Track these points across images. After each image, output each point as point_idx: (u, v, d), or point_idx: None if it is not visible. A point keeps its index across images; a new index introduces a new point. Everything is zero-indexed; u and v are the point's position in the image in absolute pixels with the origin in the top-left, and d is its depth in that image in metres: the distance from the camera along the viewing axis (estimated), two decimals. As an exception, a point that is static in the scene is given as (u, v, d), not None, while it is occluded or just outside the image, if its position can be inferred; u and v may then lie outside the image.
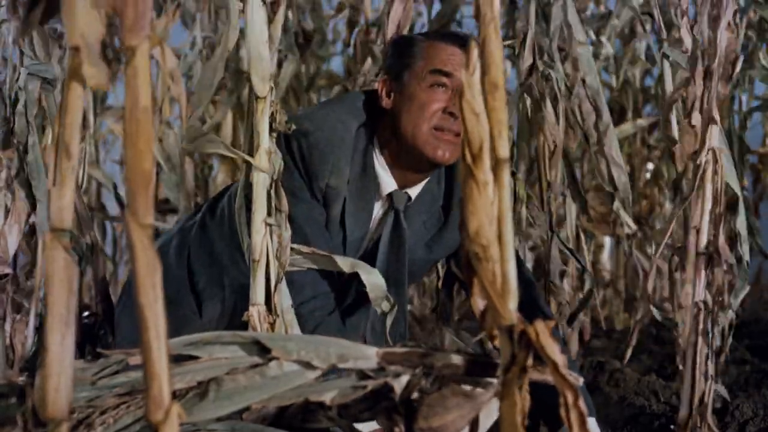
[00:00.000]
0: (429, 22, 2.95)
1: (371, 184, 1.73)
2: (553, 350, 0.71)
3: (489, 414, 0.81)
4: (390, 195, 1.75)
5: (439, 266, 2.10)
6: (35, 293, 1.77)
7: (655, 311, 2.03)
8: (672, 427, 1.90)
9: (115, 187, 3.31)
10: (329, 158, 1.66)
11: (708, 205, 1.74)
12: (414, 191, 1.78)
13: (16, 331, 1.77)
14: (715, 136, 1.73)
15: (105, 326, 2.03)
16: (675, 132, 2.15)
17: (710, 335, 1.72)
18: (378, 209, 1.77)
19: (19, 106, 1.75)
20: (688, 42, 1.77)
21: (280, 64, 3.21)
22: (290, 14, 3.27)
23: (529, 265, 2.99)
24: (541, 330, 0.72)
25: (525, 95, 2.14)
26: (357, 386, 0.84)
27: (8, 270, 1.74)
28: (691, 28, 1.75)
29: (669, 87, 2.21)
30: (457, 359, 0.83)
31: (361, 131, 1.73)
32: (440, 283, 2.09)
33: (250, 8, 1.23)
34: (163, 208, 3.46)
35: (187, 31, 3.43)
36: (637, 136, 3.78)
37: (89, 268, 2.12)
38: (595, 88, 2.13)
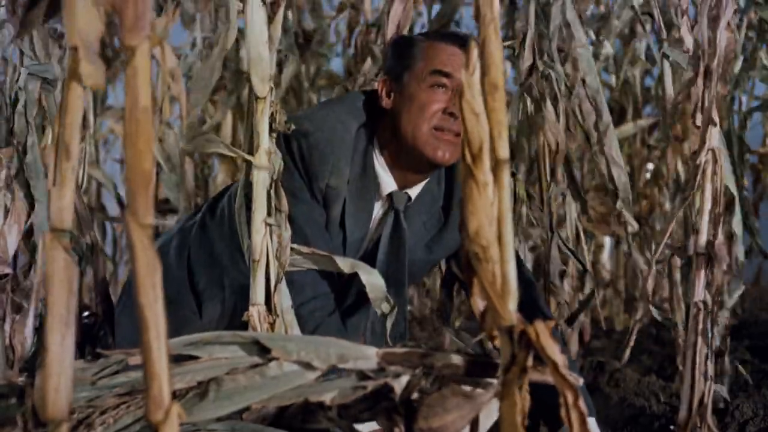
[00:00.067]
0: (429, 21, 2.95)
1: (371, 185, 1.73)
2: (554, 351, 0.71)
3: (489, 414, 0.81)
4: (390, 195, 1.75)
5: (441, 266, 2.10)
6: (34, 293, 1.77)
7: (654, 311, 2.03)
8: (672, 427, 1.90)
9: (115, 187, 3.31)
10: (329, 158, 1.66)
11: (707, 206, 1.74)
12: (414, 192, 1.77)
13: (16, 331, 1.77)
14: (715, 137, 1.74)
15: (105, 326, 2.03)
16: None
17: (710, 335, 1.72)
18: (378, 210, 1.77)
19: (19, 106, 1.75)
20: (689, 42, 1.77)
21: (280, 65, 3.21)
22: (290, 14, 3.28)
23: (528, 265, 3.00)
24: (541, 330, 0.72)
25: (525, 95, 2.14)
26: (357, 386, 0.84)
27: (8, 270, 1.74)
28: (692, 28, 1.75)
29: (669, 87, 2.21)
30: (457, 359, 0.83)
31: (361, 131, 1.73)
32: (441, 284, 2.09)
33: (249, 8, 1.23)
34: (163, 208, 3.46)
35: (187, 32, 3.43)
36: (637, 137, 3.79)
37: (89, 269, 2.12)
38: (595, 88, 2.13)
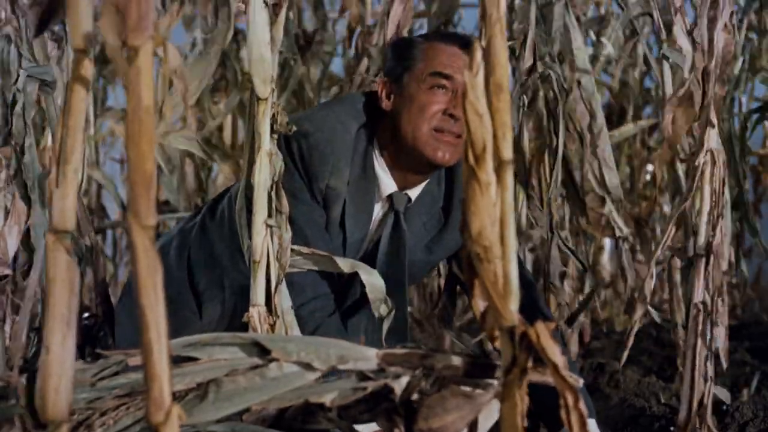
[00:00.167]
0: (428, 20, 2.94)
1: (371, 186, 1.73)
2: (554, 352, 0.71)
3: (488, 415, 0.81)
4: (390, 196, 1.75)
5: (441, 267, 2.10)
6: (31, 293, 1.77)
7: (654, 313, 2.03)
8: (672, 428, 1.90)
9: (115, 188, 3.31)
10: (329, 159, 1.67)
11: (706, 207, 1.74)
12: (414, 193, 1.78)
13: (16, 332, 1.77)
14: (713, 138, 1.74)
15: (105, 327, 2.03)
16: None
17: (709, 336, 1.72)
18: (378, 211, 1.77)
19: (17, 108, 1.75)
20: (683, 42, 1.77)
21: (282, 67, 3.21)
22: (291, 15, 3.27)
23: (528, 266, 2.99)
24: (542, 331, 0.72)
25: (524, 96, 2.14)
26: (357, 387, 0.84)
27: (8, 271, 1.74)
28: (690, 29, 1.75)
29: (669, 88, 2.21)
30: (457, 360, 0.83)
31: (361, 132, 1.73)
32: (442, 284, 2.09)
33: (252, 10, 1.23)
34: (163, 209, 3.46)
35: (188, 32, 3.44)
36: (636, 138, 3.79)
37: (89, 270, 2.12)
38: (590, 90, 2.14)
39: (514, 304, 0.74)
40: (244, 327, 1.30)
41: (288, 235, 1.34)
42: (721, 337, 1.76)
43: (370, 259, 1.73)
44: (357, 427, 0.88)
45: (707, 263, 1.73)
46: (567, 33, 2.13)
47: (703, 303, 1.73)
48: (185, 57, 3.23)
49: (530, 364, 0.73)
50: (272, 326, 1.31)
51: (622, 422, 2.06)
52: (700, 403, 1.71)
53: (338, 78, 3.64)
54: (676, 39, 1.79)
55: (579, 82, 2.12)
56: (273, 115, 1.30)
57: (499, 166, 0.73)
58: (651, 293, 1.85)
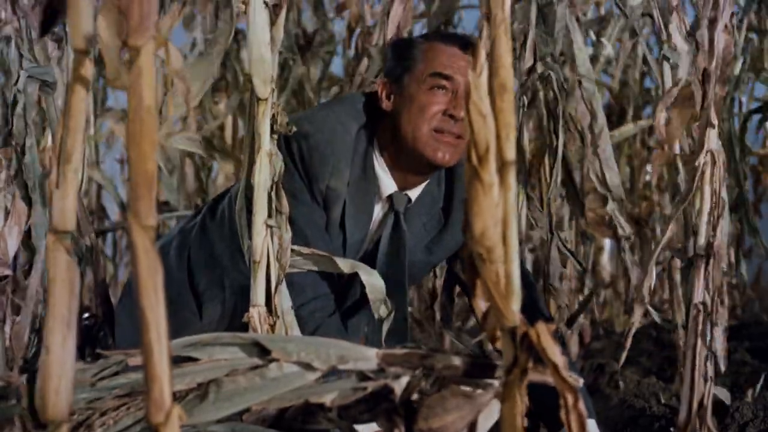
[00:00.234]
0: (428, 20, 2.94)
1: (371, 186, 1.73)
2: (555, 352, 0.71)
3: (488, 416, 0.81)
4: (390, 197, 1.75)
5: (437, 268, 2.10)
6: (29, 293, 1.77)
7: (654, 313, 2.03)
8: (672, 429, 1.90)
9: (115, 188, 3.31)
10: (329, 160, 1.67)
11: (706, 207, 1.74)
12: (414, 193, 1.78)
13: (17, 332, 1.77)
14: (713, 138, 1.74)
15: (105, 328, 2.03)
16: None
17: (709, 337, 1.72)
18: (378, 211, 1.77)
19: (18, 109, 1.75)
20: (679, 42, 1.77)
21: (282, 67, 3.21)
22: (291, 15, 3.27)
23: (529, 266, 3.00)
24: (543, 332, 0.72)
25: (524, 97, 2.14)
26: (357, 388, 0.84)
27: (8, 272, 1.74)
28: (692, 31, 1.75)
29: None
30: (457, 361, 0.83)
31: (361, 133, 1.73)
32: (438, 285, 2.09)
33: (252, 10, 1.23)
34: (163, 210, 3.46)
35: (187, 33, 3.44)
36: (637, 138, 3.79)
37: (89, 270, 2.12)
38: (591, 90, 2.14)
39: (515, 304, 0.74)
40: (245, 327, 1.30)
41: (288, 235, 1.34)
42: (719, 337, 1.76)
43: (370, 259, 1.73)
44: (357, 427, 0.88)
45: (707, 264, 1.73)
46: (568, 33, 2.13)
47: (703, 303, 1.73)
48: (185, 57, 3.23)
49: (530, 364, 0.74)
50: (272, 326, 1.31)
51: (622, 423, 2.06)
52: (700, 403, 1.71)
53: (338, 78, 3.64)
54: (672, 38, 1.79)
55: (580, 82, 2.12)
56: (273, 116, 1.30)
57: (502, 167, 0.73)
58: (651, 294, 1.85)
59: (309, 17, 3.52)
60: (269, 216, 1.30)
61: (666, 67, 2.12)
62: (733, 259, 3.41)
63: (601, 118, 2.12)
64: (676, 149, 1.89)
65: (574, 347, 2.44)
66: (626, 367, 2.52)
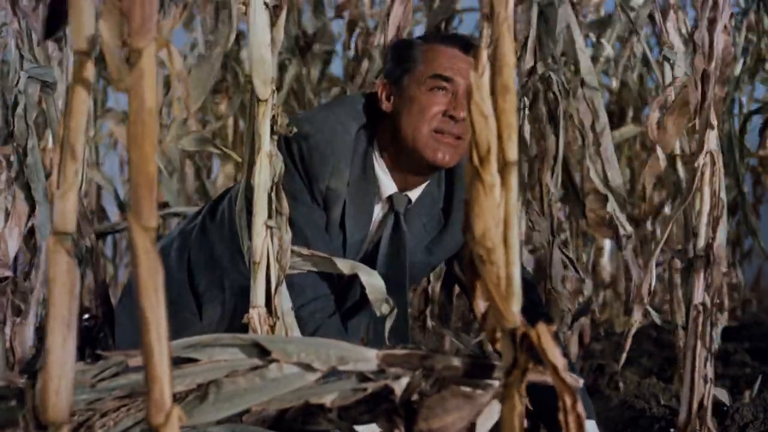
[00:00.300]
0: (428, 16, 2.94)
1: (371, 187, 1.73)
2: (555, 353, 0.71)
3: (488, 416, 0.81)
4: (390, 198, 1.76)
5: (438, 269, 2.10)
6: (34, 294, 1.77)
7: (653, 314, 2.03)
8: (672, 430, 1.90)
9: (115, 189, 3.31)
10: (329, 160, 1.67)
11: (706, 208, 1.74)
12: (414, 194, 1.78)
13: (17, 333, 1.77)
14: (713, 140, 1.74)
15: (105, 329, 2.03)
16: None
17: (709, 338, 1.72)
18: (378, 212, 1.77)
19: (19, 110, 1.75)
20: (677, 42, 1.77)
21: (281, 67, 3.21)
22: (292, 17, 3.27)
23: (529, 267, 2.99)
24: (543, 333, 0.72)
25: (525, 97, 2.14)
26: (357, 388, 0.84)
27: (8, 273, 1.74)
28: (692, 32, 1.75)
29: (669, 89, 2.21)
30: (456, 361, 0.83)
31: (361, 134, 1.73)
32: (440, 285, 2.09)
33: (252, 11, 1.23)
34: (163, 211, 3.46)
35: (187, 33, 3.44)
36: (636, 139, 3.78)
37: (89, 271, 2.13)
38: (593, 91, 2.13)
39: (516, 306, 0.74)
40: (244, 328, 1.30)
41: (288, 236, 1.34)
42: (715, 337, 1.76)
43: (370, 260, 1.73)
44: (357, 427, 0.88)
45: (707, 265, 1.73)
46: (569, 34, 2.13)
47: (703, 304, 1.73)
48: (185, 58, 3.23)
49: (530, 365, 0.74)
50: (272, 327, 1.31)
51: (622, 423, 2.05)
52: (700, 404, 1.71)
53: (338, 79, 3.64)
54: (669, 37, 1.79)
55: (582, 82, 2.12)
56: (273, 117, 1.30)
57: (503, 168, 0.73)
58: (651, 294, 1.85)
59: (309, 18, 3.52)
60: (269, 217, 1.30)
61: (666, 67, 2.13)
62: (733, 260, 3.41)
63: (603, 117, 2.12)
64: (677, 149, 1.89)
65: (573, 348, 2.44)
66: (626, 367, 2.52)
